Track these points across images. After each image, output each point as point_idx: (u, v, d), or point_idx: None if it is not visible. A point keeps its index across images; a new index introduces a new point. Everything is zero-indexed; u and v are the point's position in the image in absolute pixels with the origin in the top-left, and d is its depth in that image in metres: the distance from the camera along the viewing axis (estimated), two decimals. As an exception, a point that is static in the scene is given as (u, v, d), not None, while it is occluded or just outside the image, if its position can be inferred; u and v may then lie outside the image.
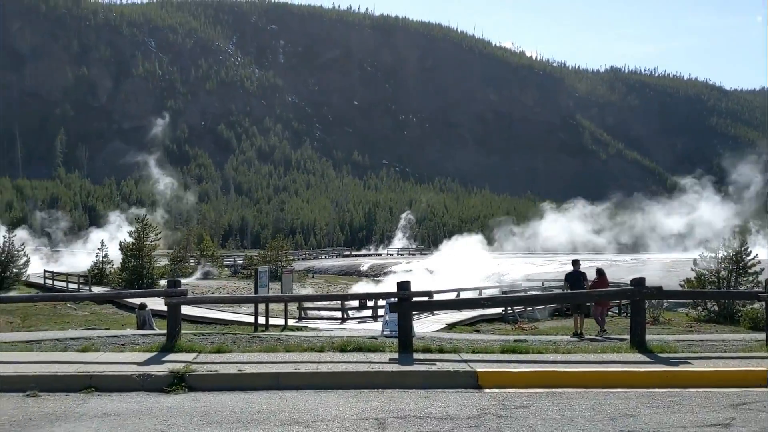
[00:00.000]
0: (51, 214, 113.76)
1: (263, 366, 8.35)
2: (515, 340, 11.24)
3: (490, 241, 73.77)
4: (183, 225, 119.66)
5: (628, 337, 10.49)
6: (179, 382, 7.71)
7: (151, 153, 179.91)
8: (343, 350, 9.65)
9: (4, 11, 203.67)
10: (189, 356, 9.05)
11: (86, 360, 8.82)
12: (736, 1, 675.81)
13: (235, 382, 7.81)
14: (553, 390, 7.56)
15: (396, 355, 9.20)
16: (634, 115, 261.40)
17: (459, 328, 22.89)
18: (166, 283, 10.70)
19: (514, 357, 9.19)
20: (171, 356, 9.05)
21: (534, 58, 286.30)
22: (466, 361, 8.72)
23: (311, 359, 8.81)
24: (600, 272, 17.19)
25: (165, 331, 10.58)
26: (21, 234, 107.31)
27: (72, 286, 37.93)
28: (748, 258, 24.82)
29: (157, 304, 20.57)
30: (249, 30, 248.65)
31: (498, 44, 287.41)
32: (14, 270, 41.59)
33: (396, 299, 10.02)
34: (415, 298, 10.51)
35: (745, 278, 24.39)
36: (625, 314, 26.22)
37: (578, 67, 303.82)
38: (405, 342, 9.47)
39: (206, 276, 54.09)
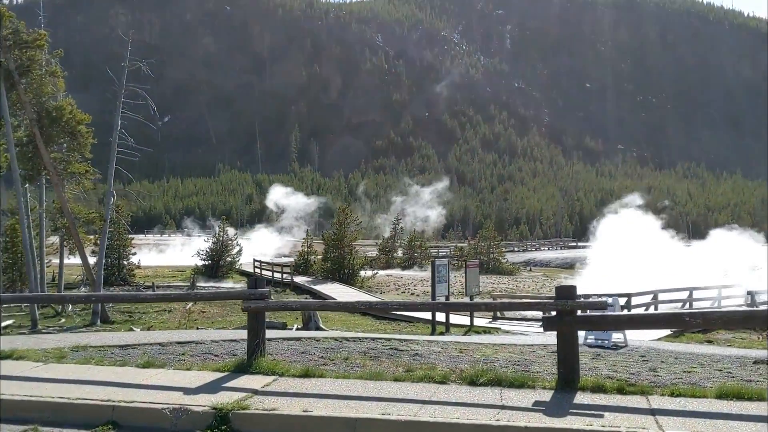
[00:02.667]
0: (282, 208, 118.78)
1: (342, 404, 6.02)
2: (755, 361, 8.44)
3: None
4: (403, 216, 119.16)
5: None
6: (220, 424, 5.74)
7: (376, 146, 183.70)
8: (472, 382, 6.75)
9: (248, 18, 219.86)
10: (263, 380, 6.98)
11: (130, 381, 7.06)
12: None
13: (293, 428, 5.68)
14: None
15: (549, 396, 6.25)
16: None
17: (689, 335, 17.79)
18: (246, 284, 8.47)
19: (735, 408, 5.74)
20: (240, 380, 7.02)
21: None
22: (654, 411, 5.67)
23: (419, 396, 6.31)
24: None
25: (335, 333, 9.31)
26: (259, 227, 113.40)
27: (277, 275, 37.14)
28: None
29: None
30: (475, 17, 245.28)
31: (751, 14, 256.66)
32: (228, 259, 42.25)
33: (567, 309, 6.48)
34: (592, 311, 7.10)
35: None
36: None
37: None
38: (566, 375, 6.54)
39: (409, 267, 50.80)
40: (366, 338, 11.24)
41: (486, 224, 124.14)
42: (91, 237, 26.92)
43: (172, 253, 63.52)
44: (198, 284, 35.57)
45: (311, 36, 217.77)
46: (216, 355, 8.79)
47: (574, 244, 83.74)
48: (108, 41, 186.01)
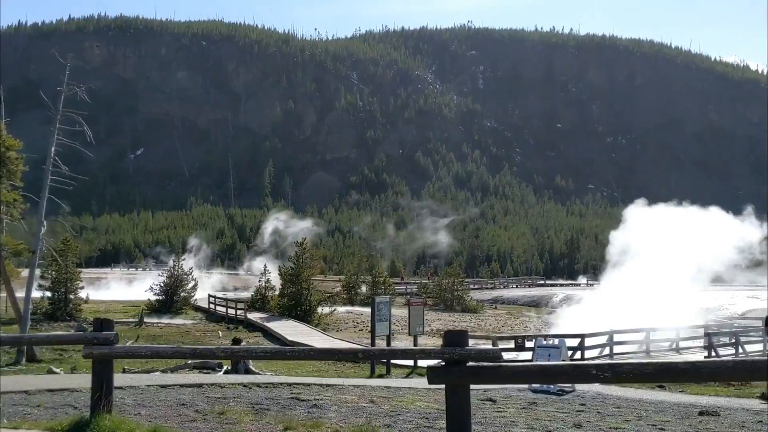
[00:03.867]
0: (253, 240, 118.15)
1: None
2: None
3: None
4: (378, 252, 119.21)
5: None
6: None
7: (350, 182, 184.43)
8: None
9: (223, 54, 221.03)
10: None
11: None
12: None
13: None
14: None
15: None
16: None
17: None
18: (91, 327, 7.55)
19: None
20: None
21: (760, 72, 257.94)
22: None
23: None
24: None
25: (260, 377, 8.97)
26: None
27: (231, 311, 36.47)
28: None
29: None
30: (449, 58, 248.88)
31: (718, 59, 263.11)
32: (182, 294, 41.74)
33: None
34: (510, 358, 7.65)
35: None
36: None
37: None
38: None
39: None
40: (282, 384, 10.68)
41: (458, 261, 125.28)
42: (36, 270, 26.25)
43: (139, 286, 62.68)
44: (148, 320, 34.96)
45: (286, 73, 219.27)
46: (75, 407, 7.87)
47: (542, 282, 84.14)
48: (81, 73, 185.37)
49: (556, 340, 17.22)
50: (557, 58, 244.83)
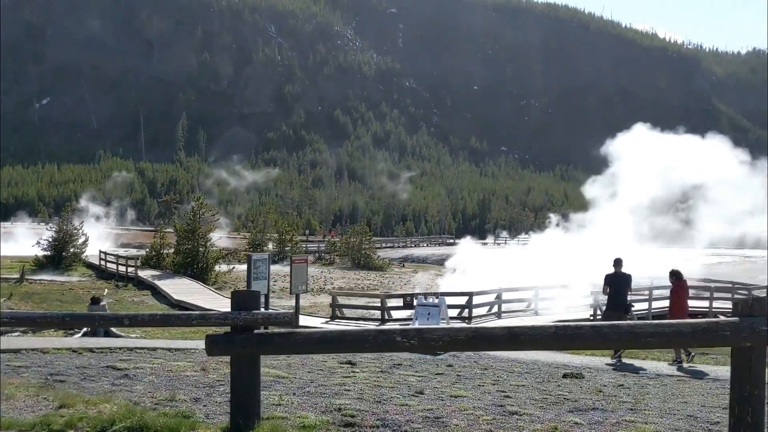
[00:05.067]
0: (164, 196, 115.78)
1: None
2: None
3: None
4: (293, 210, 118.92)
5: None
6: None
7: (267, 138, 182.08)
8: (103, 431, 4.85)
9: (136, 0, 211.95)
10: None
11: None
12: None
13: None
14: None
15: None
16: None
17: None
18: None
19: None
20: None
21: (668, 40, 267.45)
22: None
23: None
24: (676, 275, 13.81)
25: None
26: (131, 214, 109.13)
27: (123, 269, 35.21)
28: None
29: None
30: (368, 14, 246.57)
31: (629, 25, 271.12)
32: (72, 250, 40.62)
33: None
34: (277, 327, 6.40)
35: None
36: None
37: (716, 49, 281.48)
38: (238, 420, 4.81)
39: (278, 261, 50.19)
40: (122, 349, 10.16)
41: (375, 220, 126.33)
42: None
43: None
44: (32, 277, 33.61)
45: (202, 22, 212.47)
46: None
47: (451, 241, 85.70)
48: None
49: (436, 299, 17.24)
50: (476, 19, 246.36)
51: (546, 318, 21.18)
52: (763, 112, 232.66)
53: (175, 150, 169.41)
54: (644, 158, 42.50)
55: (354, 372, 9.13)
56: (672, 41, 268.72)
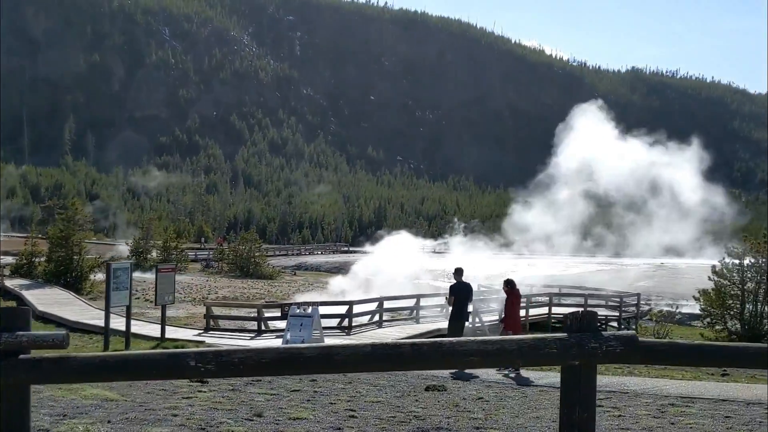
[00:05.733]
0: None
1: None
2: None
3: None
4: (186, 216, 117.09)
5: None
6: None
7: (160, 142, 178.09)
8: None
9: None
10: None
11: None
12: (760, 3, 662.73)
13: None
14: None
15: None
16: (655, 117, 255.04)
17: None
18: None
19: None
20: None
21: (554, 57, 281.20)
22: None
23: None
24: (510, 284, 13.52)
25: None
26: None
27: None
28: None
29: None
30: (266, 21, 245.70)
31: (518, 42, 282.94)
32: None
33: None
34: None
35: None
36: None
37: (599, 67, 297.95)
38: None
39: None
40: None
41: (270, 227, 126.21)
42: None
43: None
44: None
45: (92, 22, 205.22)
46: None
47: (345, 248, 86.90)
48: None
49: (309, 309, 16.59)
50: (373, 30, 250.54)
51: (426, 326, 21.46)
52: (641, 129, 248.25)
53: (61, 153, 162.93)
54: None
55: (200, 391, 8.43)
56: (558, 58, 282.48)
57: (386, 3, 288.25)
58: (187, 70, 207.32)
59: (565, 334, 3.65)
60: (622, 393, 9.62)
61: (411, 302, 24.16)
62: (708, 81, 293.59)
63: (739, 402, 8.81)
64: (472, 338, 3.56)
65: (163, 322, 18.02)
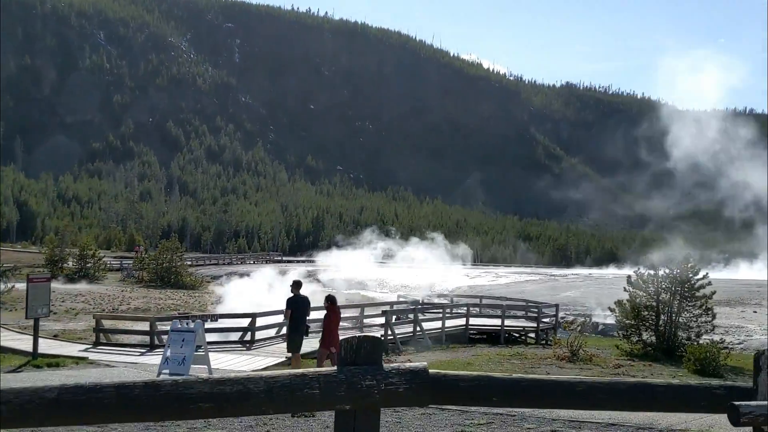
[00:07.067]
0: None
1: None
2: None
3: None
4: (118, 224, 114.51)
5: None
6: None
7: (93, 148, 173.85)
8: None
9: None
10: None
11: None
12: (696, 26, 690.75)
13: None
14: None
15: None
16: (588, 131, 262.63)
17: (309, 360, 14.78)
18: None
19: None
20: None
21: (491, 71, 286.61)
22: None
23: None
24: (330, 299, 13.12)
25: None
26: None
27: None
28: (697, 278, 20.70)
29: None
30: (204, 27, 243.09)
31: (456, 55, 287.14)
32: None
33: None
34: None
35: (691, 303, 20.64)
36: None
37: (534, 81, 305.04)
38: None
39: (78, 279, 45.21)
40: None
41: (205, 236, 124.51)
42: None
43: None
44: None
45: (23, 24, 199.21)
46: None
47: (279, 258, 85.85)
48: None
49: (192, 322, 14.52)
50: (312, 40, 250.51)
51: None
52: (573, 142, 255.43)
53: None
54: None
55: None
56: (495, 72, 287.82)
57: (326, 13, 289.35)
58: (122, 75, 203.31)
59: (334, 369, 2.62)
60: (507, 415, 8.54)
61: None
62: (639, 97, 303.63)
63: (629, 426, 8.28)
64: (204, 377, 2.46)
65: (36, 336, 15.90)
